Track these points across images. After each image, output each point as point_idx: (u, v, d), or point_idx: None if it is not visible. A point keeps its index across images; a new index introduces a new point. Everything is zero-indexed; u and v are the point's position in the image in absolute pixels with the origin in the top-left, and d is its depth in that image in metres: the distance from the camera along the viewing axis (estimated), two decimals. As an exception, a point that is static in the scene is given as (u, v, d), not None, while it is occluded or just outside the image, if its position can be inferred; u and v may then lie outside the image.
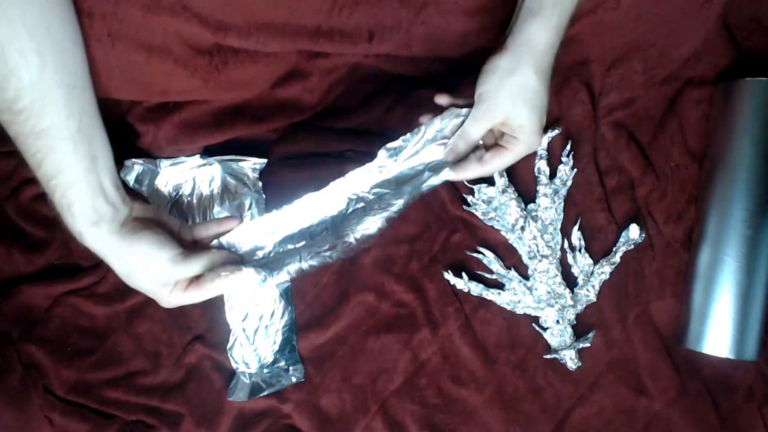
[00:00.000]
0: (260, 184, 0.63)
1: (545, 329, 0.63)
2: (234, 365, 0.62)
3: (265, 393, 0.61)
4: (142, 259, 0.48)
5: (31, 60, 0.41)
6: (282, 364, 0.62)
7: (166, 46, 0.52)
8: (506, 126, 0.51)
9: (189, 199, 0.63)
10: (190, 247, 0.52)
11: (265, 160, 0.63)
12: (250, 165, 0.63)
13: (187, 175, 0.63)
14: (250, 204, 0.62)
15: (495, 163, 0.53)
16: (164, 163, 0.62)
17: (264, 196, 0.64)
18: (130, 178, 0.62)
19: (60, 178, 0.45)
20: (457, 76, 0.66)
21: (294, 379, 0.61)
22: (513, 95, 0.49)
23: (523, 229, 0.64)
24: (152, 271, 0.49)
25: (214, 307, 0.63)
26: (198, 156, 0.63)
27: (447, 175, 0.54)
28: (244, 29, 0.53)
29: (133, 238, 0.48)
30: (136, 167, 0.62)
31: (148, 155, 0.63)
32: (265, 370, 0.61)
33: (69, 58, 0.45)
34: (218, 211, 0.62)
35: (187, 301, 0.51)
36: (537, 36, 0.48)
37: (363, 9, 0.55)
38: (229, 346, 0.61)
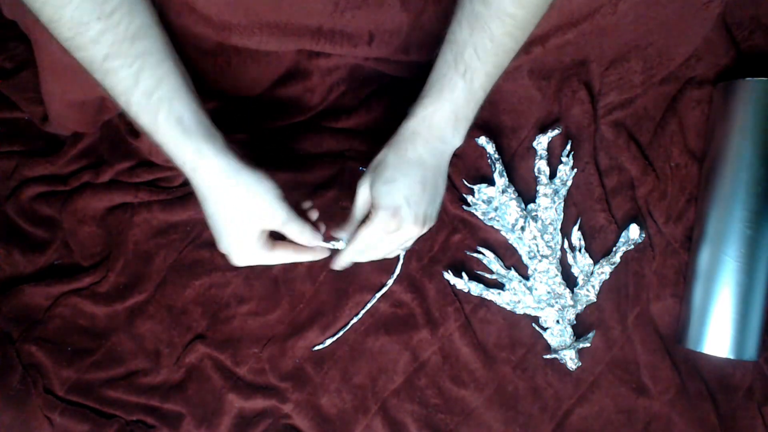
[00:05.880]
0: None
1: (545, 329, 0.63)
2: None
3: None
4: (246, 193, 0.46)
5: None
6: None
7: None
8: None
9: None
10: None
11: None
12: None
13: None
14: None
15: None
16: None
17: None
18: None
19: (163, 88, 0.43)
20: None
21: None
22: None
23: (523, 229, 0.64)
24: (252, 208, 0.46)
25: (214, 306, 0.63)
26: None
27: None
28: (247, 29, 0.54)
29: (240, 166, 0.45)
30: None
31: (148, 155, 0.63)
32: None
33: None
34: None
35: (265, 261, 0.50)
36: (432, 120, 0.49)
37: (365, 12, 0.56)
38: None
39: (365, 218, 0.52)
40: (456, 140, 0.50)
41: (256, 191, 0.46)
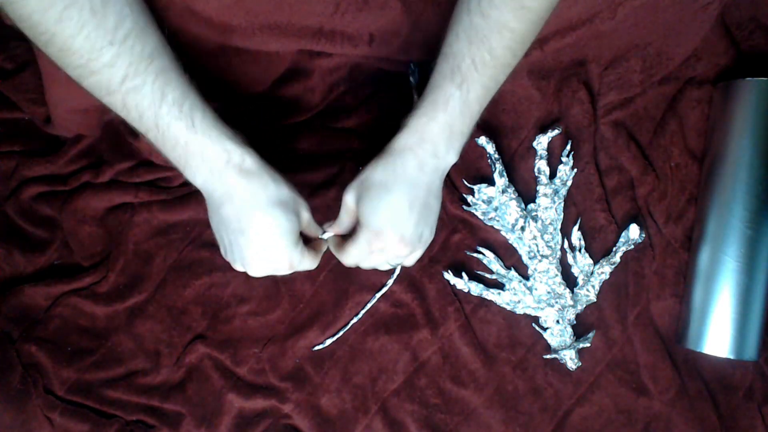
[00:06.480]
0: None
1: (545, 329, 0.63)
2: None
3: None
4: (269, 196, 0.46)
5: None
6: None
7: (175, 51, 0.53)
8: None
9: None
10: None
11: None
12: None
13: None
14: None
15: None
16: None
17: None
18: None
19: (191, 97, 0.44)
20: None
21: None
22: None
23: (523, 229, 0.64)
24: (292, 199, 0.47)
25: (214, 306, 0.63)
26: None
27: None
28: (247, 30, 0.54)
29: (263, 168, 0.46)
30: None
31: (148, 155, 0.63)
32: None
33: None
34: None
35: (297, 264, 0.49)
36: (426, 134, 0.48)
37: (365, 13, 0.56)
38: None
39: (352, 230, 0.52)
40: (450, 156, 0.48)
41: (287, 181, 0.48)
